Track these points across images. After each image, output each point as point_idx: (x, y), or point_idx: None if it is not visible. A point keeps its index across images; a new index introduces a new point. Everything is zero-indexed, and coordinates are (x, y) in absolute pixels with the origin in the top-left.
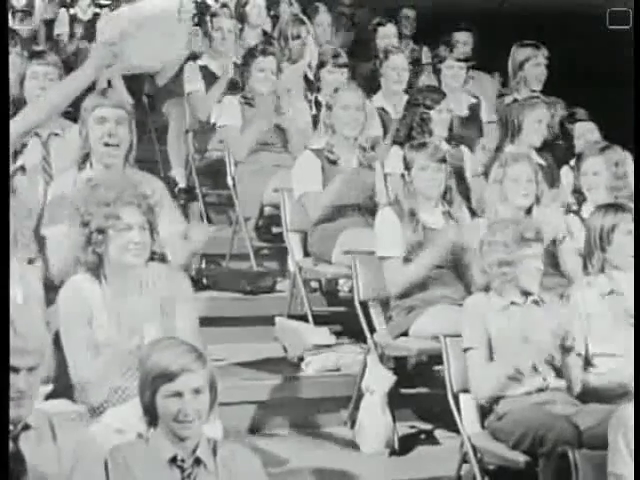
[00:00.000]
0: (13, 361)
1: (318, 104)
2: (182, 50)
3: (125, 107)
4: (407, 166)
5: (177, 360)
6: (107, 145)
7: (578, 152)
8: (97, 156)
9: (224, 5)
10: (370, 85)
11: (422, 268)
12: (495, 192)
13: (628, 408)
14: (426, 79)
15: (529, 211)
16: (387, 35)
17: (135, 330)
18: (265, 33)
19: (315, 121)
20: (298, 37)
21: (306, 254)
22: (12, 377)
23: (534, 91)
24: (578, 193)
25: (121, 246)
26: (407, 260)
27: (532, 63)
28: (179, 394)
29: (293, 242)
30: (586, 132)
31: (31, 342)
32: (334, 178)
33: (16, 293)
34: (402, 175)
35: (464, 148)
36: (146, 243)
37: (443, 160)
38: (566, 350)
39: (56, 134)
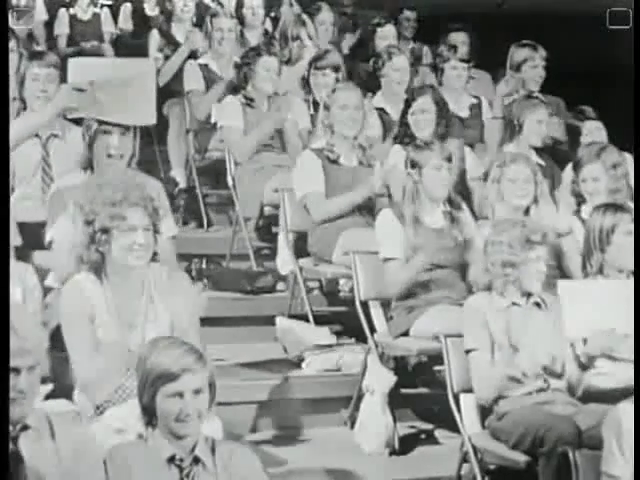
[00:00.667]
0: (13, 362)
1: (316, 104)
2: (151, 118)
3: None
4: (413, 166)
5: (178, 360)
6: (110, 156)
7: (575, 159)
8: (99, 163)
9: (221, 5)
10: (369, 85)
11: (414, 270)
12: (493, 192)
13: (622, 408)
14: (427, 80)
15: (527, 211)
16: (386, 36)
17: (136, 330)
18: (266, 33)
19: (313, 121)
20: (298, 38)
21: (301, 254)
22: (13, 378)
23: (532, 92)
24: (578, 197)
25: (125, 247)
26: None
27: (529, 65)
28: (180, 394)
29: (287, 242)
30: (594, 130)
31: (29, 341)
32: (348, 191)
33: (15, 292)
34: (408, 174)
35: (466, 148)
36: (149, 244)
37: (449, 159)
38: (565, 366)
39: (56, 135)
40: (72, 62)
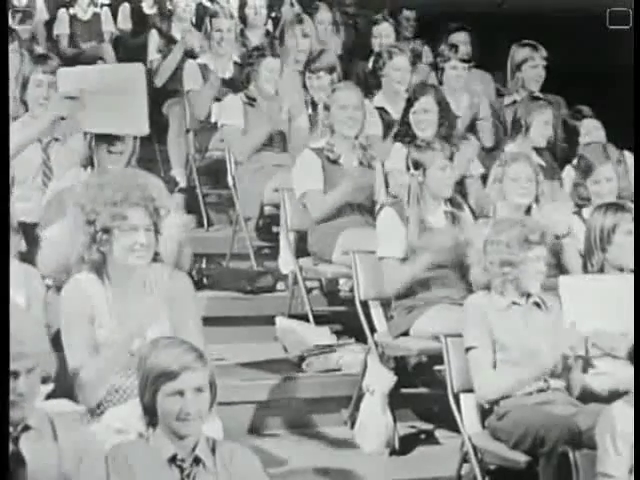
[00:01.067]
0: (11, 366)
1: (314, 104)
2: (143, 127)
3: None
4: (417, 167)
5: (178, 359)
6: (110, 152)
7: (582, 162)
8: (100, 160)
9: (221, 5)
10: (368, 84)
11: (417, 269)
12: (495, 191)
13: (616, 408)
14: (427, 79)
15: (528, 210)
16: (381, 34)
17: (137, 330)
18: (268, 33)
19: (311, 121)
20: (294, 36)
21: (302, 254)
22: (12, 382)
23: (533, 92)
24: (583, 199)
25: (126, 247)
26: (406, 261)
27: (530, 65)
28: (181, 393)
29: (289, 242)
30: (592, 129)
31: (27, 345)
32: (341, 182)
33: (19, 295)
34: (412, 175)
35: (462, 146)
36: (151, 244)
37: (451, 158)
38: (566, 368)
39: (56, 139)
40: (61, 72)
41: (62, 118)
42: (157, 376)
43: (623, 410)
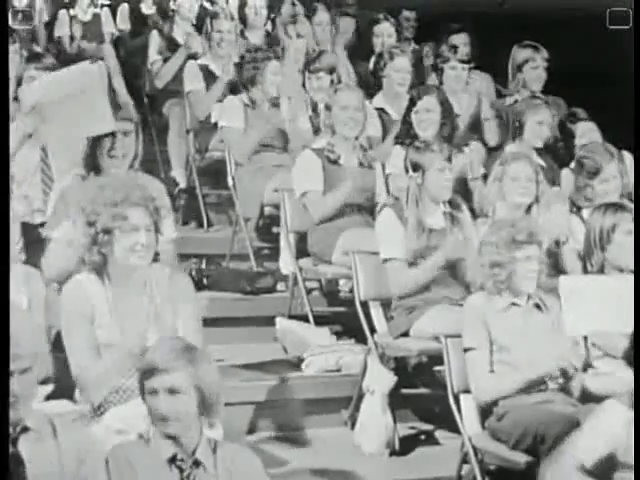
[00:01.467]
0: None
1: (314, 105)
2: (108, 123)
3: (132, 118)
4: (415, 168)
5: (161, 358)
6: (112, 157)
7: (589, 164)
8: (101, 164)
9: (221, 7)
10: (368, 84)
11: (429, 271)
12: (494, 190)
13: (607, 403)
14: (428, 80)
15: (529, 210)
16: (383, 33)
17: (138, 331)
18: (268, 34)
19: (312, 122)
20: (295, 37)
21: (301, 254)
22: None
23: (533, 92)
24: (589, 200)
25: (127, 247)
26: (413, 264)
27: (531, 65)
28: (154, 392)
29: (289, 243)
30: (587, 131)
31: (22, 346)
32: (342, 183)
33: (20, 297)
34: (410, 177)
35: (466, 149)
36: (151, 245)
37: (450, 159)
38: (566, 377)
39: None
40: (20, 90)
41: (29, 135)
42: (142, 372)
43: (613, 406)
